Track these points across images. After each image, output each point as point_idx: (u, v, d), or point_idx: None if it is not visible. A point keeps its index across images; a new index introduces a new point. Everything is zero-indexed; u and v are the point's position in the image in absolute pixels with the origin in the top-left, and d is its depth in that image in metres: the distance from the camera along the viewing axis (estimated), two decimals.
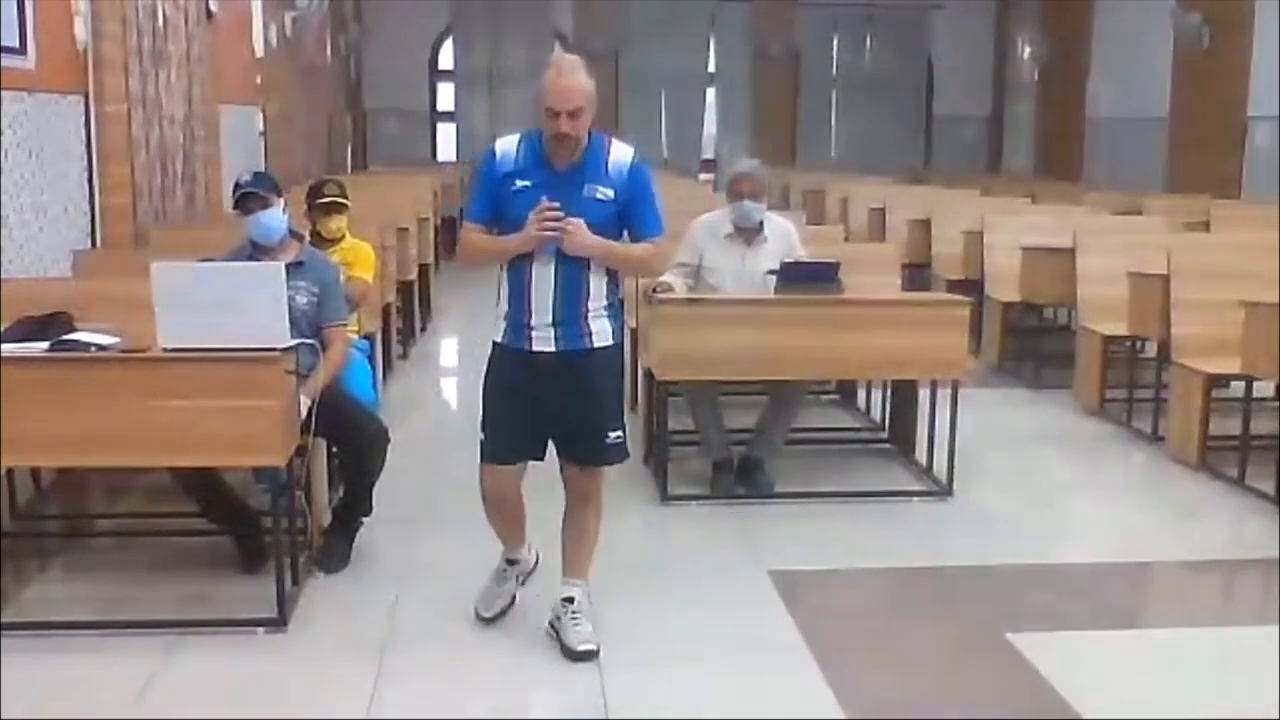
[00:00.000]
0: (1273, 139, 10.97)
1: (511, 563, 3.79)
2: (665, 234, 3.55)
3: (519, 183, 3.35)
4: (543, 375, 3.41)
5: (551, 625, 3.62)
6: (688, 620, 3.85)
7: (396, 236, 7.27)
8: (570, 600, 3.59)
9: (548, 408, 3.44)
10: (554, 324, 3.38)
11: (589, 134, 3.37)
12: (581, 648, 3.50)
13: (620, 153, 3.43)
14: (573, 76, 3.28)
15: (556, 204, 3.27)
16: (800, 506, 4.97)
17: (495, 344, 3.49)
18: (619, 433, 3.51)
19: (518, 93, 16.13)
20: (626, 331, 3.70)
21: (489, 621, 3.74)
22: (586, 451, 3.52)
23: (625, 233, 3.48)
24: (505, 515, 3.68)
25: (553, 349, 3.39)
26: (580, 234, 3.30)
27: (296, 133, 11.44)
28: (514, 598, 3.80)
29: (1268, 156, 10.95)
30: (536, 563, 3.89)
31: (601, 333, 3.44)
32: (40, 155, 5.49)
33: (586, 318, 3.41)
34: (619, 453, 3.54)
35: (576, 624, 3.55)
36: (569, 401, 3.43)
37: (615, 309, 3.50)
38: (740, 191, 5.13)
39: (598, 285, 3.42)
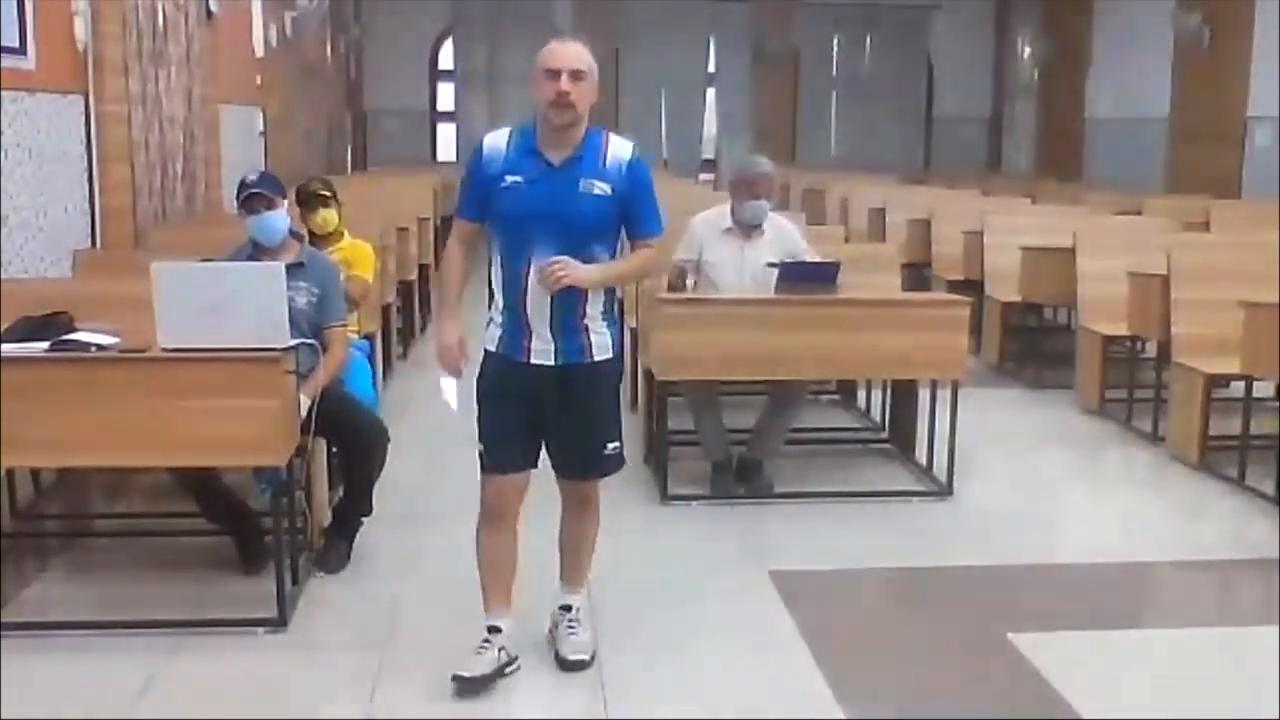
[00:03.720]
0: (1273, 139, 10.97)
1: (493, 631, 3.39)
2: (665, 234, 3.44)
3: (509, 178, 3.18)
4: (540, 388, 3.28)
5: (550, 633, 3.57)
6: (688, 620, 3.84)
7: (396, 236, 7.28)
8: (568, 608, 3.54)
9: (544, 419, 3.32)
10: (553, 334, 3.24)
11: (586, 129, 3.21)
12: (574, 657, 3.45)
13: (619, 147, 3.25)
14: (573, 44, 3.16)
15: (559, 260, 3.13)
16: (800, 506, 4.97)
17: (488, 352, 3.34)
18: (616, 443, 3.42)
19: (518, 93, 16.06)
20: (626, 334, 3.65)
21: (468, 682, 3.26)
22: (584, 463, 3.41)
23: (623, 230, 3.33)
24: (497, 544, 3.38)
25: (552, 363, 3.26)
26: (573, 271, 3.15)
27: (296, 133, 11.44)
28: (496, 673, 3.33)
29: (1268, 156, 10.95)
30: (517, 661, 3.42)
31: (602, 345, 3.31)
32: (40, 155, 5.50)
33: (587, 330, 3.28)
34: (616, 463, 3.44)
35: (572, 632, 3.51)
36: (567, 415, 3.31)
37: (613, 316, 3.39)
38: (756, 192, 5.10)
39: (595, 291, 3.29)
